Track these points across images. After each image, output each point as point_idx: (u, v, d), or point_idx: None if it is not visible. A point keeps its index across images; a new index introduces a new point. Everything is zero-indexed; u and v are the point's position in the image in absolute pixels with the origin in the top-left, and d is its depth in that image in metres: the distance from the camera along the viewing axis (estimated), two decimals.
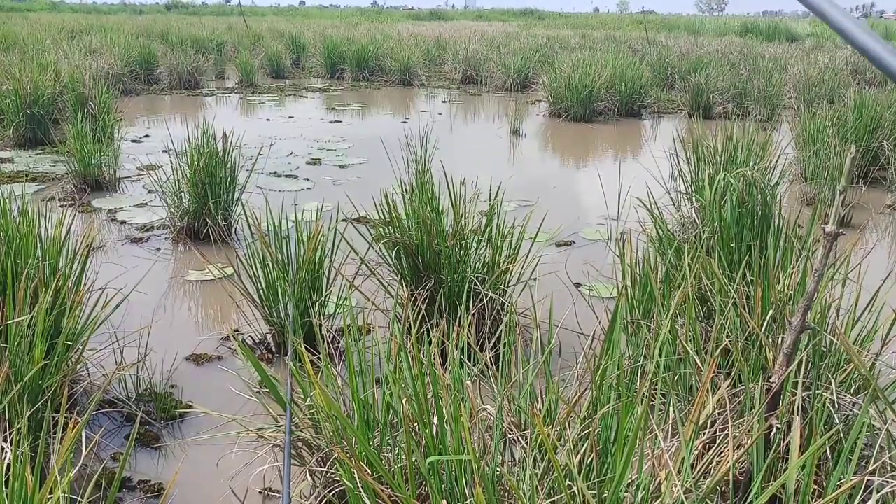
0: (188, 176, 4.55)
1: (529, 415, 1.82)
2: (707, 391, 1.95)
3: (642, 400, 1.65)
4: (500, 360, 2.06)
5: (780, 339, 2.06)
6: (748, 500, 1.50)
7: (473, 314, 2.98)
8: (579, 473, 1.68)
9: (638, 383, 1.96)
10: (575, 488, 1.54)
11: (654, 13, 73.55)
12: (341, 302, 3.22)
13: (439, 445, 1.70)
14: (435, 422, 1.73)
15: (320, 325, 2.38)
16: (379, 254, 3.32)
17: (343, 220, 3.66)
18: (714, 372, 2.32)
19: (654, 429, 1.66)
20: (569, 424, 1.76)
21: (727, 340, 2.29)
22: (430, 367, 1.79)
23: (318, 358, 2.11)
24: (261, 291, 3.12)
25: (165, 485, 2.29)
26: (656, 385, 1.94)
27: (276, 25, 23.37)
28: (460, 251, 3.12)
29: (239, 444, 2.46)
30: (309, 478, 2.15)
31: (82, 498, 1.77)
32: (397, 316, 2.37)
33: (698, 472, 1.63)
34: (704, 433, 1.88)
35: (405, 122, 9.40)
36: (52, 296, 2.46)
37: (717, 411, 1.94)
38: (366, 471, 1.70)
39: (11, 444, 2.05)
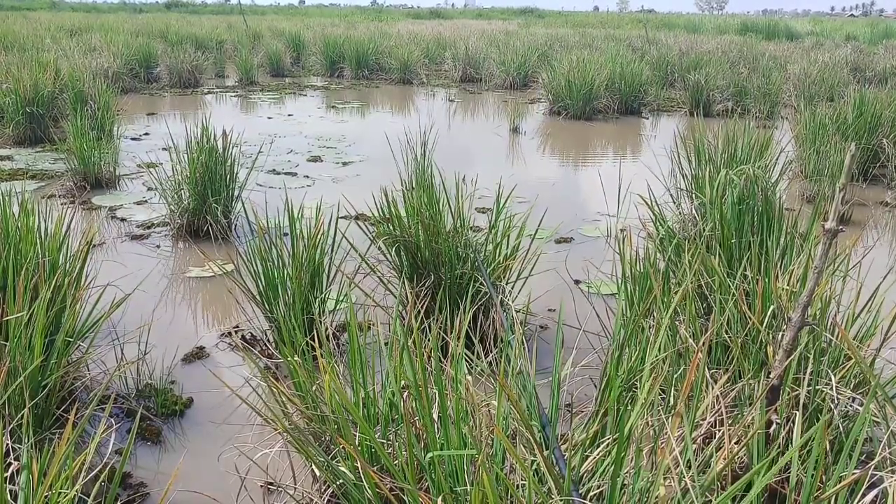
0: (188, 173, 4.55)
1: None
2: (705, 385, 1.96)
3: (644, 396, 1.66)
4: (501, 355, 2.06)
5: (780, 336, 2.06)
6: (748, 493, 1.50)
7: (473, 311, 2.98)
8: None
9: (638, 380, 1.96)
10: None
11: (654, 12, 73.59)
12: (342, 298, 3.23)
13: (441, 440, 1.70)
14: (436, 416, 1.73)
15: (321, 321, 2.39)
16: (379, 250, 3.32)
17: (343, 218, 3.66)
18: (710, 364, 2.32)
19: (652, 423, 1.67)
20: (572, 420, 1.77)
21: (727, 336, 2.29)
22: (432, 360, 1.79)
23: (318, 355, 2.12)
24: (261, 288, 3.12)
25: (167, 479, 2.29)
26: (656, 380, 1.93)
27: (276, 24, 23.36)
28: (459, 248, 3.12)
29: (239, 438, 2.47)
30: (312, 469, 2.16)
31: (84, 493, 1.78)
32: (399, 312, 2.37)
33: (699, 464, 1.64)
34: (702, 426, 1.88)
35: (405, 120, 9.40)
36: (52, 292, 2.46)
37: (718, 406, 1.94)
38: (368, 462, 1.70)
39: (13, 440, 2.06)
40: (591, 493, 1.65)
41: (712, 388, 1.89)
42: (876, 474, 1.72)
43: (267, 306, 3.14)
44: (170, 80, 12.71)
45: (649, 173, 4.44)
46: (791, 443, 1.87)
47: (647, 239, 3.02)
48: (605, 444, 1.74)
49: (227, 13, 37.68)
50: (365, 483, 1.72)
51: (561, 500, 1.52)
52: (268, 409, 2.07)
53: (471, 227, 3.25)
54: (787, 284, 2.31)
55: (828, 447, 1.89)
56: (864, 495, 1.55)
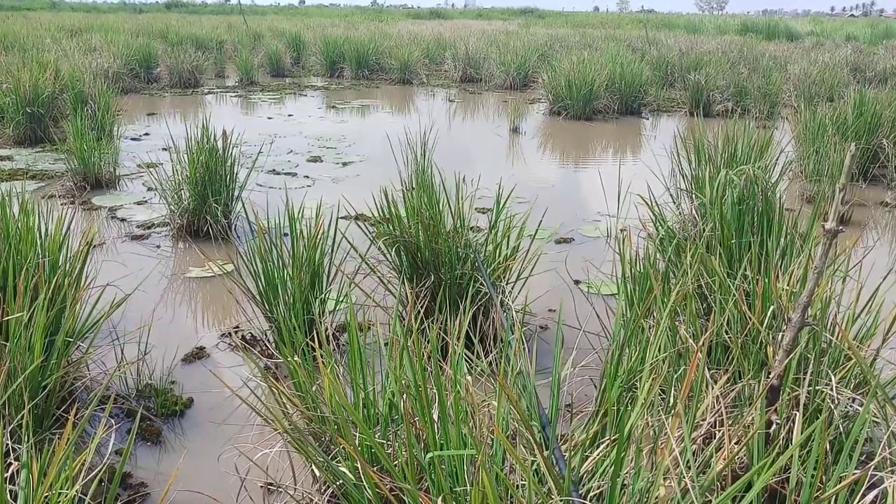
0: (188, 173, 4.55)
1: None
2: (705, 385, 1.96)
3: (644, 396, 1.66)
4: (500, 355, 2.06)
5: (780, 336, 2.06)
6: (747, 493, 1.50)
7: (473, 311, 2.98)
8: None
9: (639, 379, 1.96)
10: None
11: (654, 12, 73.72)
12: (341, 299, 3.23)
13: (441, 440, 1.70)
14: (436, 416, 1.73)
15: (321, 322, 2.39)
16: (379, 251, 3.32)
17: (343, 218, 3.66)
18: (710, 365, 2.32)
19: (652, 423, 1.66)
20: (572, 420, 1.77)
21: (727, 336, 2.29)
22: (432, 360, 1.79)
23: (317, 356, 2.12)
24: (261, 288, 3.12)
25: (167, 479, 2.29)
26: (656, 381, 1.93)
27: (276, 24, 23.36)
28: (459, 248, 3.12)
29: (239, 438, 2.47)
30: (312, 469, 2.16)
31: (84, 493, 1.78)
32: (398, 312, 2.37)
33: (699, 465, 1.64)
34: (702, 427, 1.88)
35: (405, 120, 9.40)
36: (52, 292, 2.46)
37: (718, 407, 1.94)
38: (368, 463, 1.70)
39: (13, 440, 2.06)
40: (592, 494, 1.65)
41: (712, 388, 1.89)
42: (876, 474, 1.72)
43: (267, 306, 3.14)
44: (170, 81, 12.71)
45: (649, 173, 4.44)
46: (791, 443, 1.87)
47: (646, 239, 3.02)
48: (604, 444, 1.74)
49: (227, 13, 37.69)
50: (365, 483, 1.72)
51: (561, 501, 1.52)
52: (268, 409, 2.07)
53: (471, 228, 3.25)
54: (787, 285, 2.31)
55: (828, 447, 1.89)
56: (864, 495, 1.55)
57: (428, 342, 2.09)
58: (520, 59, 13.38)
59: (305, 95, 12.21)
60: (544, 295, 3.51)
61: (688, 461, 1.52)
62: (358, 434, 1.87)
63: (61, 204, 5.33)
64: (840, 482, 1.51)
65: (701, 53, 13.24)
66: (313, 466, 2.01)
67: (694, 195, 4.16)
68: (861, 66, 12.99)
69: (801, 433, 1.77)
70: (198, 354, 3.16)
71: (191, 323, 3.53)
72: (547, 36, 18.42)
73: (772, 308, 2.22)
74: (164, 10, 42.85)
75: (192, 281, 4.03)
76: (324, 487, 2.04)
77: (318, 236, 3.12)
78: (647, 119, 10.12)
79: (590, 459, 1.72)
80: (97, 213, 5.20)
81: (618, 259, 2.68)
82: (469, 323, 2.67)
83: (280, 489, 2.21)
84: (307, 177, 6.37)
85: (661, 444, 1.57)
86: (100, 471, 1.98)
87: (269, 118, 9.69)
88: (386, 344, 2.16)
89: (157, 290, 3.85)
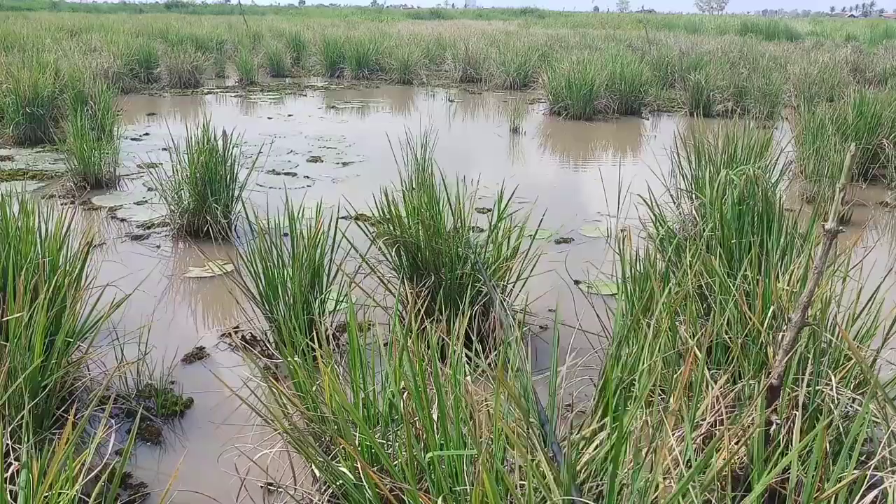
0: (188, 174, 4.55)
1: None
2: (705, 385, 1.96)
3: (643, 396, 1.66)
4: (500, 355, 2.06)
5: (780, 336, 2.06)
6: (748, 493, 1.50)
7: (472, 311, 2.98)
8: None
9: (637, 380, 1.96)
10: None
11: (654, 12, 73.77)
12: (342, 299, 3.23)
13: (440, 440, 1.70)
14: (436, 416, 1.73)
15: (321, 322, 2.39)
16: (380, 251, 3.32)
17: (343, 218, 3.66)
18: (710, 365, 2.32)
19: (651, 422, 1.66)
20: (571, 420, 1.77)
21: (727, 336, 2.29)
22: (432, 361, 1.79)
23: (317, 356, 2.12)
24: (261, 288, 3.12)
25: (167, 479, 2.29)
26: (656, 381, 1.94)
27: (276, 24, 23.35)
28: (460, 248, 3.12)
29: (240, 438, 2.47)
30: (312, 470, 2.16)
31: (85, 493, 1.78)
32: (398, 312, 2.37)
33: (699, 464, 1.64)
34: (702, 427, 1.88)
35: (405, 120, 9.40)
36: (53, 293, 2.46)
37: (718, 407, 1.94)
38: (368, 463, 1.70)
39: (13, 440, 2.06)
40: (592, 493, 1.65)
41: (712, 388, 1.89)
42: (876, 474, 1.72)
43: (267, 307, 3.14)
44: (170, 81, 12.71)
45: (649, 173, 4.44)
46: (791, 443, 1.87)
47: (647, 239, 3.02)
48: (603, 443, 1.74)
49: (227, 13, 37.70)
50: (365, 483, 1.72)
51: (560, 500, 1.52)
52: (268, 409, 2.07)
53: (471, 228, 3.25)
54: (788, 285, 2.31)
55: (828, 447, 1.89)
56: (863, 495, 1.55)
57: (428, 342, 2.09)
58: (520, 59, 13.38)
59: (305, 95, 12.21)
60: (544, 295, 3.51)
61: (688, 461, 1.52)
62: (358, 434, 1.87)
63: (61, 204, 5.33)
64: (840, 482, 1.51)
65: (701, 53, 13.23)
66: (313, 466, 2.01)
67: (694, 195, 4.16)
68: (861, 67, 12.99)
69: (801, 434, 1.77)
70: (198, 354, 3.16)
71: (191, 323, 3.53)
72: (547, 36, 18.42)
73: (772, 308, 2.22)
74: (164, 10, 42.86)
75: (192, 281, 4.03)
76: (324, 487, 2.04)
77: (318, 236, 3.12)
78: (647, 119, 10.12)
79: (589, 459, 1.72)
80: (97, 213, 5.20)
81: (618, 259, 2.68)
82: (469, 323, 2.67)
83: (280, 489, 2.21)
84: (307, 177, 6.37)
85: (661, 443, 1.57)
86: (100, 471, 1.98)
87: (269, 118, 9.69)
88: (386, 344, 2.16)
89: (157, 290, 3.85)
